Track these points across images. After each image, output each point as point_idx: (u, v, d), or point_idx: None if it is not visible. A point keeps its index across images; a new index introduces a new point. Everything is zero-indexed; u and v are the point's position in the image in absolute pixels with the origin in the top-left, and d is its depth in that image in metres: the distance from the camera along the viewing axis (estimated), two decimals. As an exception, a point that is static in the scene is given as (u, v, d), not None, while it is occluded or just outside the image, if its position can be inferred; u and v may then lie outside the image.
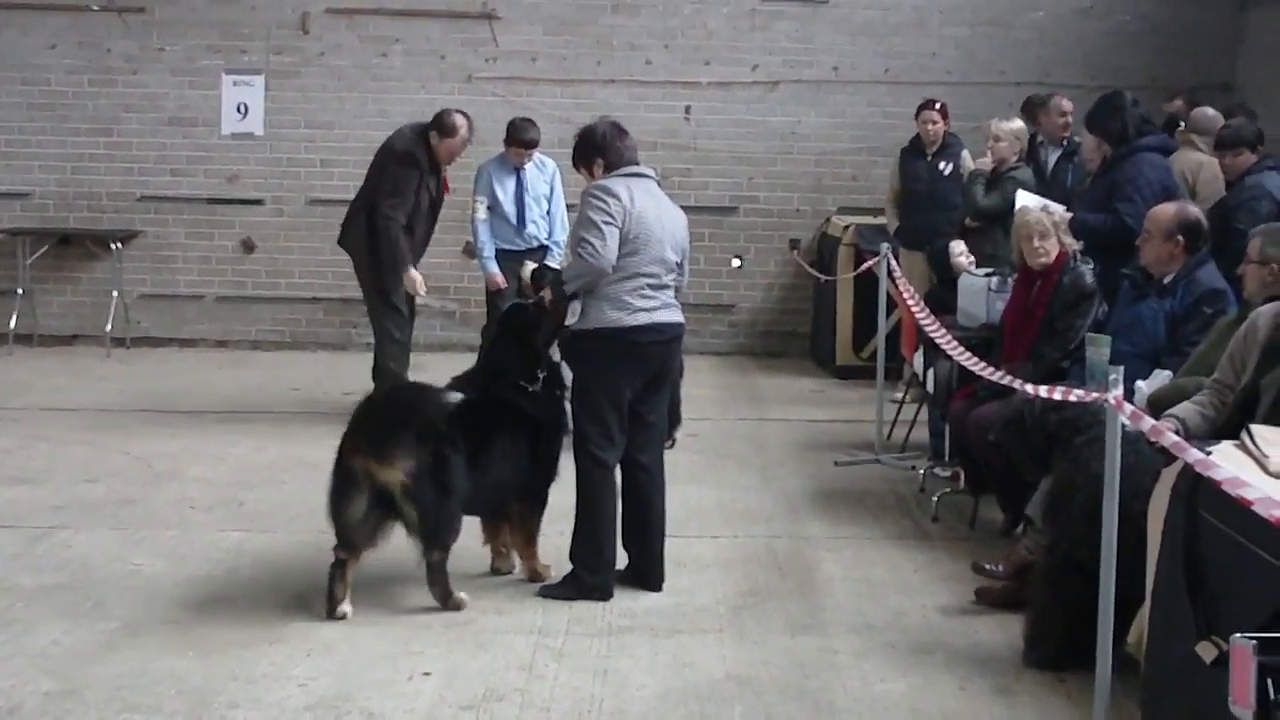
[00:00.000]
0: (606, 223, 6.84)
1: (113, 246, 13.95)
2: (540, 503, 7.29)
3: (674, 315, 7.13)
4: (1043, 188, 10.27)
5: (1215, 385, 6.13)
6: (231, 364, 13.51)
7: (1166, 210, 7.55)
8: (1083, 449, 6.32)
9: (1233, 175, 9.11)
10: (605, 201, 6.88)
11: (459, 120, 10.40)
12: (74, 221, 14.27)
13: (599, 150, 7.10)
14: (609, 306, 6.91)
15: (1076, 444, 6.40)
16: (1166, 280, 7.43)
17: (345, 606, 6.71)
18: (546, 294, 7.14)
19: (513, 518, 7.28)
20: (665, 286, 7.05)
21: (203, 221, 14.25)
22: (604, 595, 6.99)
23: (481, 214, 10.58)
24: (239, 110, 14.12)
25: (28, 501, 8.62)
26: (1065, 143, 11.23)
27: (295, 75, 14.14)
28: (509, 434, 7.07)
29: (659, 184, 7.26)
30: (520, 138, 10.53)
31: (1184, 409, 6.12)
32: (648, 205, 6.99)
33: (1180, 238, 7.38)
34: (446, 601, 6.80)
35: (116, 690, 5.84)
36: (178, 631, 6.51)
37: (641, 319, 6.93)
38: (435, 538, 6.74)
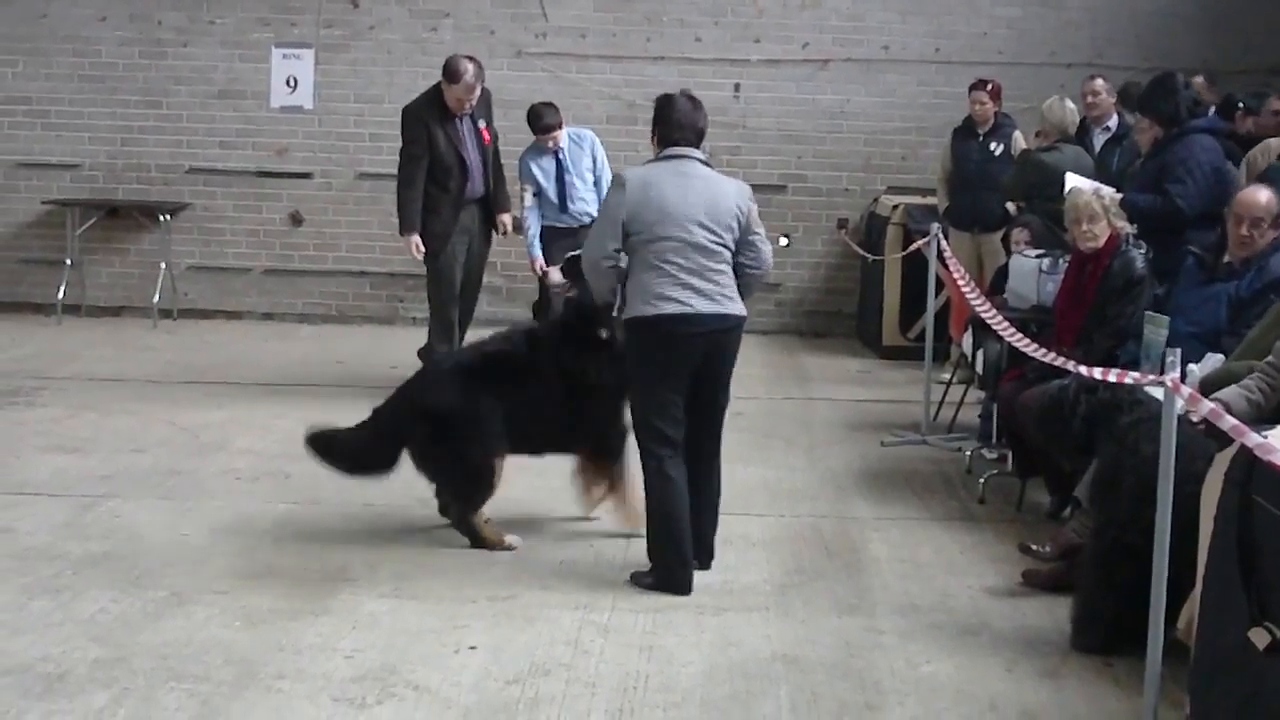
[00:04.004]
0: (604, 217, 6.87)
1: (161, 218, 14.05)
2: (613, 451, 7.44)
3: (715, 306, 6.68)
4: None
5: (1268, 368, 6.06)
6: (278, 336, 13.59)
7: (1258, 198, 7.29)
8: (1130, 430, 6.27)
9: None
10: (609, 195, 6.92)
11: (464, 65, 10.30)
12: (123, 193, 14.36)
13: (656, 121, 6.93)
14: (639, 299, 6.69)
15: (1123, 425, 6.35)
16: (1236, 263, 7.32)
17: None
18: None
19: (592, 467, 7.58)
20: (707, 274, 6.68)
21: (251, 194, 14.32)
22: (682, 591, 6.77)
23: (528, 200, 10.63)
24: (288, 84, 14.16)
25: (76, 470, 8.67)
26: (1116, 125, 11.12)
27: (345, 49, 14.17)
28: (583, 371, 7.32)
29: (705, 162, 6.87)
30: (535, 125, 10.53)
31: (1228, 393, 6.04)
32: (670, 187, 6.68)
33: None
34: (478, 543, 7.21)
35: (163, 659, 5.86)
36: (224, 601, 6.53)
37: (669, 309, 6.60)
38: (453, 498, 7.37)
